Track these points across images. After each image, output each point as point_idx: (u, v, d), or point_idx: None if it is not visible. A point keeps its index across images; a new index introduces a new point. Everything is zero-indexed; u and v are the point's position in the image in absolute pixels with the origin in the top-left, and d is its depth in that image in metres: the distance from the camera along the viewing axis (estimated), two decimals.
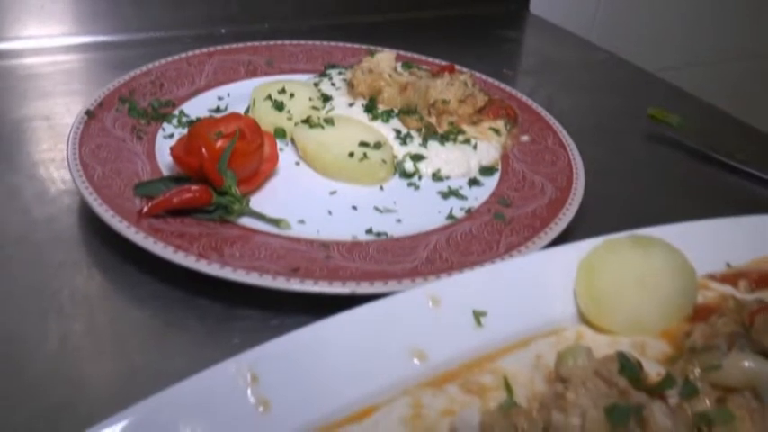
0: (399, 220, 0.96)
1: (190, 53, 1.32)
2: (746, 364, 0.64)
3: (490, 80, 1.33)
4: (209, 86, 1.26)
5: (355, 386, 0.66)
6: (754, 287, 0.81)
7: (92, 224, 0.93)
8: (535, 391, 0.68)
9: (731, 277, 0.83)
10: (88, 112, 1.09)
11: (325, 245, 0.89)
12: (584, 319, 0.77)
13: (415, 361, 0.70)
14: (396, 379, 0.68)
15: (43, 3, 1.44)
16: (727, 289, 0.81)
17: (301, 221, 0.94)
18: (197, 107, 1.19)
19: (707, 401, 0.64)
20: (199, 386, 0.63)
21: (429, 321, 0.73)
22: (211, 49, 1.35)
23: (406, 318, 0.72)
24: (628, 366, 0.64)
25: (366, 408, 0.65)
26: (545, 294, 0.78)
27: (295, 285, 0.79)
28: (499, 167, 1.10)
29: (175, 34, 1.55)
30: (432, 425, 0.64)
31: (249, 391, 0.64)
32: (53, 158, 1.09)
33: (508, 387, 0.67)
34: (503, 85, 1.33)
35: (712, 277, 0.83)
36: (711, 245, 0.85)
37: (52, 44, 1.45)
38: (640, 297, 0.75)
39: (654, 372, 0.68)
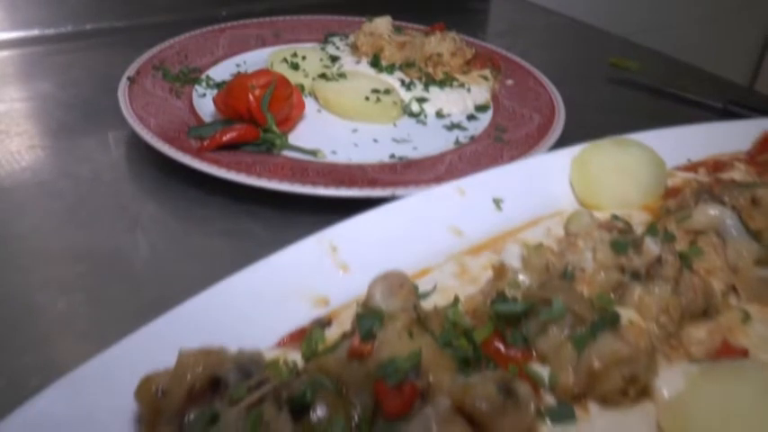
0: (415, 148, 1.14)
1: (205, 29, 1.48)
2: (711, 211, 0.84)
3: (472, 39, 1.52)
4: (226, 56, 1.43)
5: (412, 253, 0.83)
6: (711, 171, 1.01)
7: (151, 164, 1.09)
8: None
9: (692, 167, 1.03)
10: (130, 78, 1.24)
11: (359, 166, 1.06)
12: (580, 202, 0.96)
13: (454, 236, 0.88)
14: (441, 249, 0.86)
15: None
16: (690, 175, 1.01)
17: (334, 152, 1.11)
18: (221, 72, 1.35)
19: (682, 243, 0.84)
20: (289, 258, 0.80)
21: (459, 207, 0.91)
22: (222, 25, 1.51)
23: (441, 204, 0.90)
24: (621, 220, 0.83)
25: (423, 269, 0.83)
26: (548, 185, 0.97)
27: (344, 192, 0.97)
28: (491, 105, 1.29)
29: (178, 18, 1.69)
30: (476, 276, 0.82)
31: (331, 259, 0.81)
32: (98, 120, 1.23)
33: (529, 248, 0.85)
34: (483, 43, 1.52)
35: (677, 168, 1.03)
36: (675, 146, 1.05)
37: (59, 31, 1.59)
38: (623, 180, 0.94)
39: (640, 232, 0.87)
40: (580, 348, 0.67)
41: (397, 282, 0.70)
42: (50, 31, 1.57)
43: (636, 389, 0.67)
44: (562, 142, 1.15)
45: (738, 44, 2.78)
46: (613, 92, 1.49)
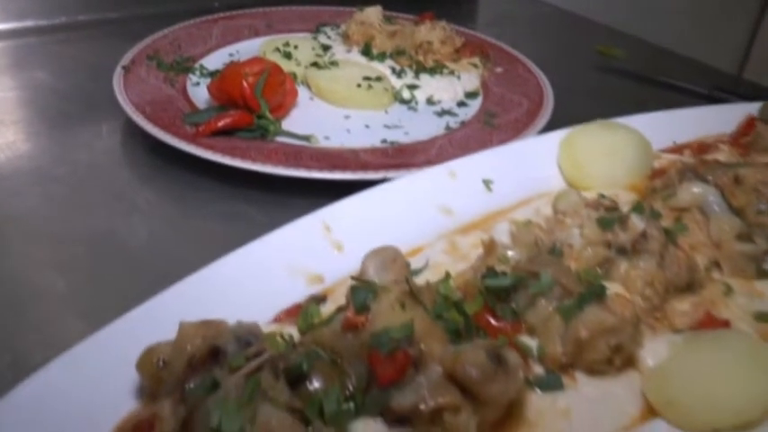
0: (407, 133, 1.16)
1: (197, 20, 1.50)
2: (694, 189, 0.86)
3: (461, 28, 1.54)
4: (219, 46, 1.44)
5: (405, 232, 0.85)
6: (696, 153, 1.03)
7: (146, 151, 1.11)
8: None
9: (678, 149, 1.06)
10: (124, 67, 1.25)
11: (351, 150, 1.08)
12: (568, 183, 0.98)
13: (445, 216, 0.90)
14: (433, 228, 0.88)
15: None
16: (675, 157, 1.03)
17: (327, 137, 1.13)
18: (214, 61, 1.37)
19: (667, 221, 0.86)
20: (285, 237, 0.81)
21: (451, 188, 0.93)
22: (215, 15, 1.53)
23: (432, 186, 0.92)
24: (608, 198, 0.85)
25: (415, 248, 0.85)
26: (537, 166, 0.99)
27: (337, 175, 0.99)
28: (481, 92, 1.32)
29: (171, 8, 1.70)
30: (466, 253, 0.84)
31: (325, 239, 0.83)
32: (92, 108, 1.25)
33: (518, 225, 0.87)
34: (473, 32, 1.54)
35: (663, 150, 1.05)
36: (662, 129, 1.07)
37: (53, 22, 1.61)
38: (610, 161, 0.96)
39: (627, 211, 0.89)
40: (567, 319, 0.69)
41: (389, 256, 0.72)
42: (44, 22, 1.59)
43: (621, 358, 0.69)
44: (550, 128, 1.16)
45: (726, 34, 2.81)
46: (601, 79, 1.51)
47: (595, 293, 0.70)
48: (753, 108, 1.13)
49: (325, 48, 1.40)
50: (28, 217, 0.97)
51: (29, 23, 1.58)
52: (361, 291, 0.67)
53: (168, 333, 0.65)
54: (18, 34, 1.54)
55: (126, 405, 0.63)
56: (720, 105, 1.18)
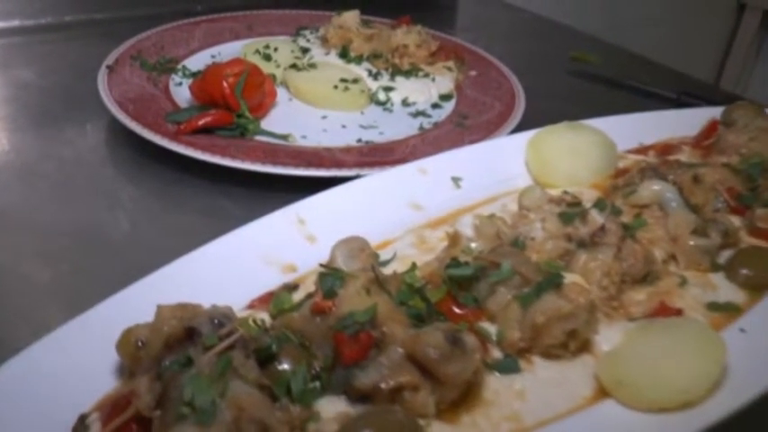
0: (381, 133, 1.21)
1: (180, 22, 1.53)
2: (654, 186, 0.90)
3: (438, 33, 1.58)
4: (201, 47, 1.48)
5: (375, 226, 0.88)
6: (659, 154, 1.08)
7: (129, 148, 1.14)
8: None
9: (643, 150, 1.10)
10: (109, 67, 1.28)
11: (327, 149, 1.12)
12: (535, 181, 1.02)
13: (415, 211, 0.94)
14: (402, 222, 0.92)
15: None
16: (639, 157, 1.07)
17: (304, 137, 1.17)
18: (196, 62, 1.40)
19: (628, 217, 0.90)
20: (260, 229, 0.85)
21: (420, 185, 0.97)
22: (197, 18, 1.57)
23: (403, 182, 0.96)
24: (570, 194, 0.89)
25: (384, 241, 0.89)
26: (505, 165, 1.03)
27: (312, 172, 1.02)
28: (455, 94, 1.36)
29: (156, 11, 1.73)
30: (434, 246, 0.88)
31: (299, 231, 0.87)
32: (77, 107, 1.28)
33: (482, 218, 0.91)
34: (449, 36, 1.58)
35: (629, 151, 1.09)
36: (628, 131, 1.11)
37: (39, 23, 1.64)
38: (575, 160, 1.01)
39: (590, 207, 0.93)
40: (525, 306, 0.73)
41: (357, 246, 0.76)
42: (30, 23, 1.62)
43: (576, 343, 0.73)
44: (521, 129, 1.20)
45: (703, 44, 2.87)
46: (573, 83, 1.56)
47: (552, 282, 0.74)
48: (718, 112, 1.17)
49: (304, 50, 1.45)
50: (14, 210, 1.00)
51: (15, 23, 1.61)
52: (329, 277, 0.71)
53: (146, 317, 0.68)
54: (4, 34, 1.57)
55: (106, 384, 0.66)
56: (686, 109, 1.22)
